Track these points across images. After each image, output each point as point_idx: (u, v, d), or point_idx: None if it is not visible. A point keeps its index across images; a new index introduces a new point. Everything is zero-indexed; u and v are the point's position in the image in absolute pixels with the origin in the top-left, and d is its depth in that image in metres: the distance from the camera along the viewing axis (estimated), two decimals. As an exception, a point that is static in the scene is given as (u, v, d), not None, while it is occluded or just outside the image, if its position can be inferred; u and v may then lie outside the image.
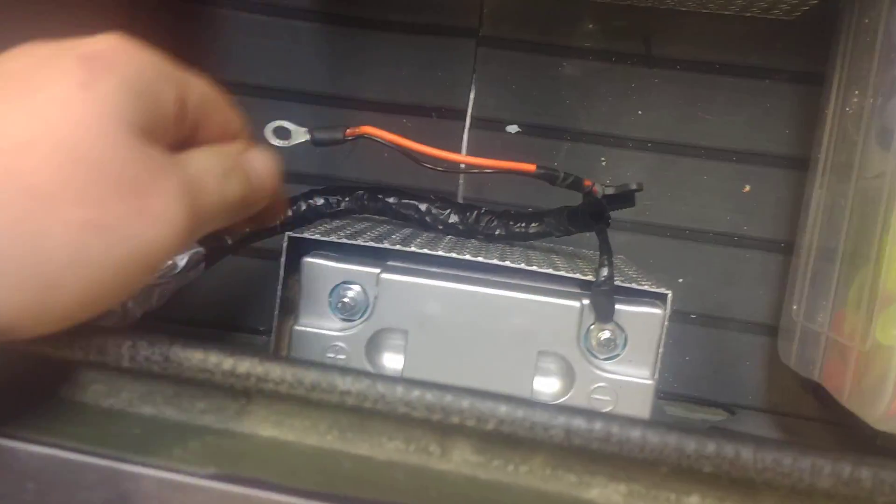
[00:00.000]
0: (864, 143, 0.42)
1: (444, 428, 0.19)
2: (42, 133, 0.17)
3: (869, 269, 0.36)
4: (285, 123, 0.34)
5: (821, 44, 0.50)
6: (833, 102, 0.48)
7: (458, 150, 0.54)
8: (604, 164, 0.55)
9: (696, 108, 0.53)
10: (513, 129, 0.55)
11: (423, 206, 0.47)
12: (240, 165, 0.23)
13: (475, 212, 0.47)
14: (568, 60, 0.54)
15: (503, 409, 0.18)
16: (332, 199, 0.47)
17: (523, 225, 0.45)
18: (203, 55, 0.55)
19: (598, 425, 0.17)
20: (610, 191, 0.36)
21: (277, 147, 0.33)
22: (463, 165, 0.36)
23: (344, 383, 0.18)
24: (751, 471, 0.17)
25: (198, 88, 0.23)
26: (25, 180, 0.16)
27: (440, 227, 0.47)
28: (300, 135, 0.34)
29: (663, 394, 0.55)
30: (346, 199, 0.47)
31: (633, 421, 0.17)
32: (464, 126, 0.55)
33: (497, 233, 0.46)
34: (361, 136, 0.34)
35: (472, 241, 0.47)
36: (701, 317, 0.54)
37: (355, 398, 0.18)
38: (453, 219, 0.47)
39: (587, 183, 0.35)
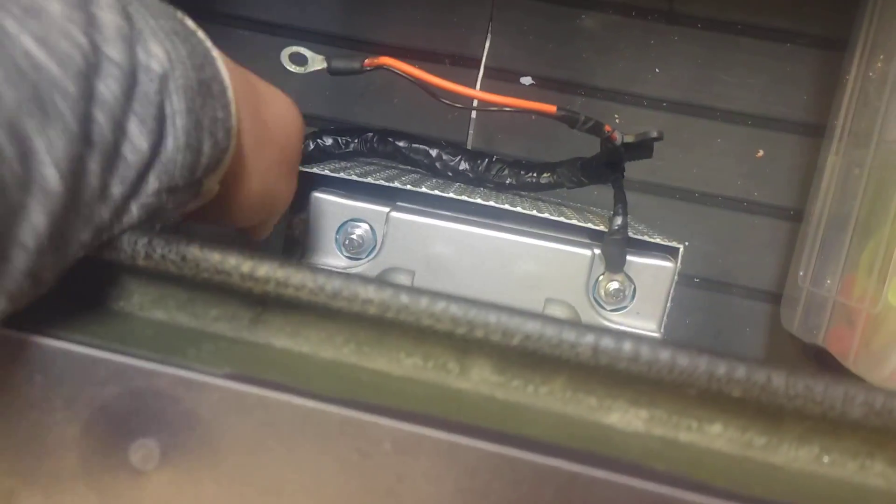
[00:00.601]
0: (886, 108, 0.41)
1: (465, 344, 0.18)
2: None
3: (884, 233, 0.36)
4: (302, 49, 0.32)
5: (846, 8, 0.49)
6: (855, 68, 0.47)
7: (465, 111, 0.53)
8: (617, 121, 0.54)
9: (715, 68, 0.52)
10: (526, 80, 0.54)
11: (433, 152, 0.46)
12: None
13: (486, 160, 0.46)
14: (587, 12, 0.53)
15: (530, 324, 0.17)
16: (342, 140, 0.46)
17: (535, 175, 0.45)
18: (213, -13, 0.54)
19: (627, 345, 0.17)
20: (629, 138, 0.35)
21: (293, 72, 0.32)
22: (476, 102, 0.35)
23: (366, 292, 0.18)
24: (781, 397, 0.16)
25: None
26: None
27: (450, 174, 0.46)
28: (317, 62, 0.33)
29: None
30: (356, 140, 0.47)
31: (663, 342, 0.17)
32: (477, 75, 0.54)
33: (507, 182, 0.45)
34: (380, 67, 0.33)
35: (482, 189, 0.46)
36: (705, 281, 0.54)
37: (378, 307, 0.18)
38: (463, 166, 0.46)
39: (607, 128, 0.34)
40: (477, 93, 0.34)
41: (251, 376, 0.17)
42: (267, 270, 0.18)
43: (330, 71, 0.33)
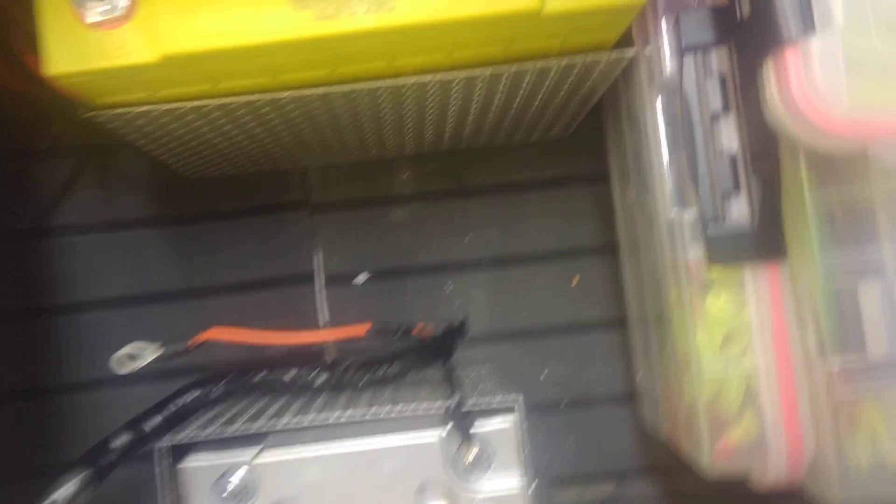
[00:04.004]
0: (640, 227, 0.49)
1: None
2: None
3: (667, 335, 0.42)
4: (133, 347, 0.37)
5: (596, 146, 0.59)
6: (616, 195, 0.56)
7: (314, 310, 0.58)
8: (450, 289, 0.60)
9: (513, 222, 0.61)
10: (361, 278, 0.60)
11: (289, 376, 0.50)
12: None
13: (341, 366, 0.50)
14: (393, 208, 0.61)
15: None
16: (202, 392, 0.50)
17: (386, 368, 0.49)
18: (55, 284, 0.57)
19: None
20: (440, 329, 0.41)
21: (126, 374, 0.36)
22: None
23: None
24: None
25: None
26: None
27: (315, 390, 0.50)
28: (148, 353, 0.37)
29: (560, 479, 0.59)
30: (216, 386, 0.50)
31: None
32: (314, 285, 0.59)
33: (366, 379, 0.50)
34: (205, 342, 0.37)
35: (346, 393, 0.50)
36: (570, 402, 0.59)
37: None
38: (321, 378, 0.50)
39: (415, 331, 0.40)
40: (297, 337, 0.39)
41: None
42: None
43: (163, 357, 0.37)
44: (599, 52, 0.41)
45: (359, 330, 0.40)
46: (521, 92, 0.46)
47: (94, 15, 0.33)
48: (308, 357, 0.53)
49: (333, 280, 0.60)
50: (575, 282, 0.60)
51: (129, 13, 0.34)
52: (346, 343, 0.59)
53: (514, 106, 0.49)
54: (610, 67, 0.44)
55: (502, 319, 0.60)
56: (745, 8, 0.34)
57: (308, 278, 0.59)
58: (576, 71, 0.43)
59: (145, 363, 0.37)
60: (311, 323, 0.58)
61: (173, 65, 0.35)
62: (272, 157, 0.56)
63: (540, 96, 0.48)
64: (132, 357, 0.36)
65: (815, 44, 0.30)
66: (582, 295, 0.60)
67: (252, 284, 0.59)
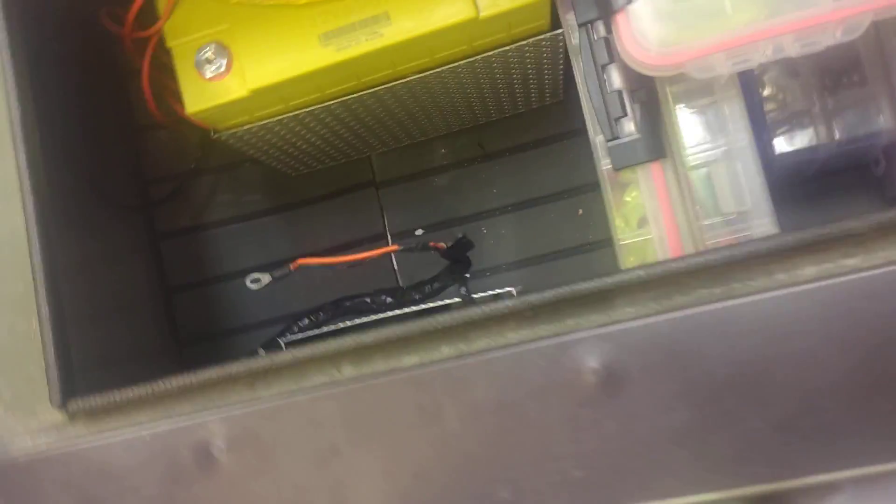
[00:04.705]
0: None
1: (334, 356, 0.42)
2: None
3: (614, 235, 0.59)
4: (256, 274, 0.59)
5: (575, 103, 0.76)
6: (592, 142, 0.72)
7: (389, 260, 0.79)
8: (485, 231, 0.79)
9: (527, 173, 0.79)
10: (419, 232, 0.80)
11: (368, 299, 0.71)
12: None
13: (401, 290, 0.71)
14: (437, 175, 0.81)
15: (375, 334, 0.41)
16: (312, 318, 0.72)
17: (430, 286, 0.69)
18: (212, 263, 0.82)
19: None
20: (450, 244, 0.60)
21: (255, 290, 0.58)
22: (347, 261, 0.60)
23: (283, 355, 0.42)
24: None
25: None
26: None
27: (384, 308, 0.71)
28: (266, 278, 0.59)
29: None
30: (321, 313, 0.72)
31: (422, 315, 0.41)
32: (387, 242, 0.80)
33: (418, 297, 0.70)
34: (300, 266, 0.59)
35: (407, 307, 0.71)
36: (587, 305, 0.76)
37: (298, 356, 0.42)
38: (390, 300, 0.71)
39: (431, 244, 0.59)
40: (353, 256, 0.59)
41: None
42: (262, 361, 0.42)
43: (275, 279, 0.59)
44: (535, 36, 0.59)
45: (393, 248, 0.59)
46: (497, 72, 0.65)
47: (209, 72, 0.56)
48: (379, 289, 0.73)
49: (400, 235, 0.80)
50: (580, 213, 0.77)
51: (228, 68, 0.56)
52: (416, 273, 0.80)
53: (499, 83, 0.68)
54: (550, 45, 0.61)
55: (527, 249, 0.78)
56: (597, -10, 0.51)
57: (381, 237, 0.81)
58: (527, 51, 0.61)
59: (267, 282, 0.58)
60: (387, 269, 0.79)
61: (258, 95, 0.57)
62: (341, 151, 0.77)
63: (514, 73, 0.66)
64: (257, 280, 0.58)
65: (633, 8, 0.46)
66: (586, 222, 0.77)
67: (341, 247, 0.81)
